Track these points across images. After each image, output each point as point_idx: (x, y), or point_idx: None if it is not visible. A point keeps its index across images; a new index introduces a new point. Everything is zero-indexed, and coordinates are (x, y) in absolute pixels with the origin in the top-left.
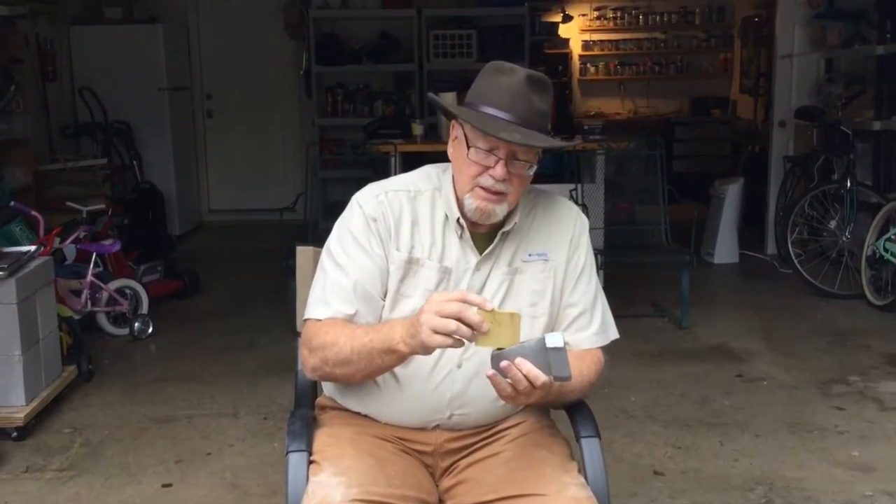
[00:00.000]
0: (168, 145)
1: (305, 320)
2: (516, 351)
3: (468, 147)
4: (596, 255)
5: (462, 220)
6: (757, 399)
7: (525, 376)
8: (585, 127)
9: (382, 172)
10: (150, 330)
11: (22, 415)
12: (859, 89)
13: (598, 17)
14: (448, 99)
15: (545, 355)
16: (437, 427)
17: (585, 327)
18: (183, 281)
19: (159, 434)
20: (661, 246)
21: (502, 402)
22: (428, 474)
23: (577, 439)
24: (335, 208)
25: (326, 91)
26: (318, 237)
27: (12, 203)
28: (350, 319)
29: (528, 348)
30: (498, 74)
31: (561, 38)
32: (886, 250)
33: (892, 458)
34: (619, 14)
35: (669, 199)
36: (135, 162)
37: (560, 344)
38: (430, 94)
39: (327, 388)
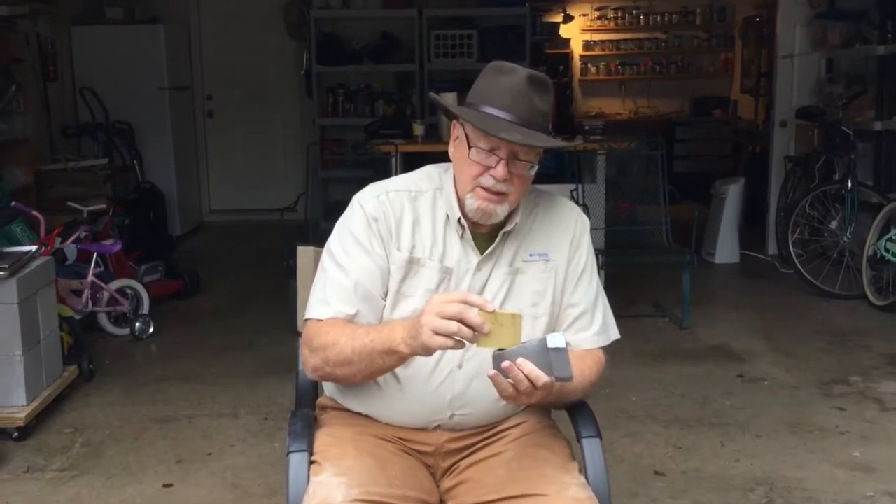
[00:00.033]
0: (169, 145)
1: (306, 320)
2: (518, 351)
3: (469, 147)
4: (597, 255)
5: (463, 221)
6: (758, 399)
7: (526, 377)
8: (586, 127)
9: (383, 172)
10: (151, 330)
11: (23, 415)
12: (860, 89)
13: (598, 18)
14: (449, 99)
15: (547, 356)
16: (438, 427)
17: (586, 327)
18: (184, 281)
19: (160, 434)
20: (662, 246)
21: (503, 403)
22: (429, 474)
23: (578, 439)
24: (336, 208)
25: (327, 91)
26: (319, 237)
27: (13, 203)
28: (351, 319)
29: (529, 349)
30: (499, 74)
31: (562, 38)
32: (887, 250)
33: (893, 459)
34: (619, 14)
35: (670, 199)
36: (136, 162)
37: (562, 344)
38: (432, 94)
39: (328, 389)
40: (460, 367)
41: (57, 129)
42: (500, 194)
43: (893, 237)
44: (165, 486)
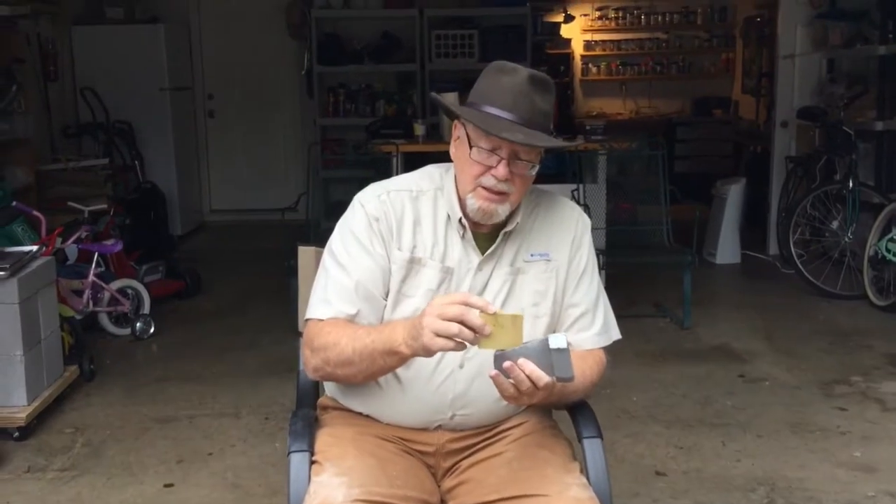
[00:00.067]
0: (170, 145)
1: (307, 320)
2: (519, 352)
3: (470, 147)
4: (598, 256)
5: (464, 220)
6: (759, 399)
7: (528, 377)
8: (587, 127)
9: (384, 172)
10: (152, 330)
11: (24, 415)
12: (861, 89)
13: (599, 18)
14: (450, 99)
15: (548, 356)
16: (439, 427)
17: (587, 327)
18: (184, 281)
19: (161, 434)
20: (663, 246)
21: (504, 403)
22: (430, 475)
23: (580, 440)
24: (337, 208)
25: (328, 91)
26: (320, 237)
27: (14, 203)
28: (352, 319)
29: (531, 349)
30: (500, 74)
31: (563, 38)
32: (888, 251)
33: (894, 459)
34: (620, 14)
35: (671, 200)
36: (136, 162)
37: (563, 345)
38: (433, 94)
39: (329, 389)
40: (461, 367)
41: (58, 129)
42: (502, 194)
43: (894, 237)
44: (166, 486)
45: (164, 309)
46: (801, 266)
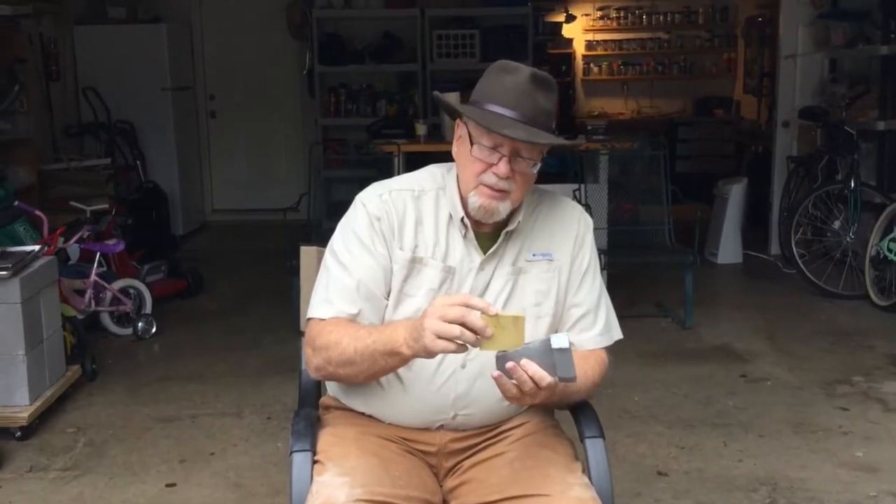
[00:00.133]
0: (171, 145)
1: (309, 319)
2: (521, 352)
3: (472, 144)
4: (599, 256)
5: (466, 220)
6: (760, 399)
7: (530, 377)
8: (589, 127)
9: (386, 172)
10: (154, 330)
11: (26, 414)
12: (863, 89)
13: (601, 17)
14: (451, 98)
15: (550, 356)
16: (441, 427)
17: (589, 327)
18: (186, 281)
19: (163, 434)
20: (665, 246)
21: (506, 403)
22: (432, 474)
23: (582, 439)
24: (338, 208)
25: (329, 91)
26: (322, 237)
27: (16, 203)
28: (353, 319)
29: (533, 349)
30: (503, 73)
31: (564, 38)
32: (890, 250)
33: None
34: (622, 14)
35: (673, 200)
36: (138, 162)
37: (565, 345)
38: (436, 93)
39: (331, 388)
40: (463, 367)
41: (59, 128)
42: (503, 192)
43: None
44: (168, 485)
45: (166, 309)
46: (802, 266)
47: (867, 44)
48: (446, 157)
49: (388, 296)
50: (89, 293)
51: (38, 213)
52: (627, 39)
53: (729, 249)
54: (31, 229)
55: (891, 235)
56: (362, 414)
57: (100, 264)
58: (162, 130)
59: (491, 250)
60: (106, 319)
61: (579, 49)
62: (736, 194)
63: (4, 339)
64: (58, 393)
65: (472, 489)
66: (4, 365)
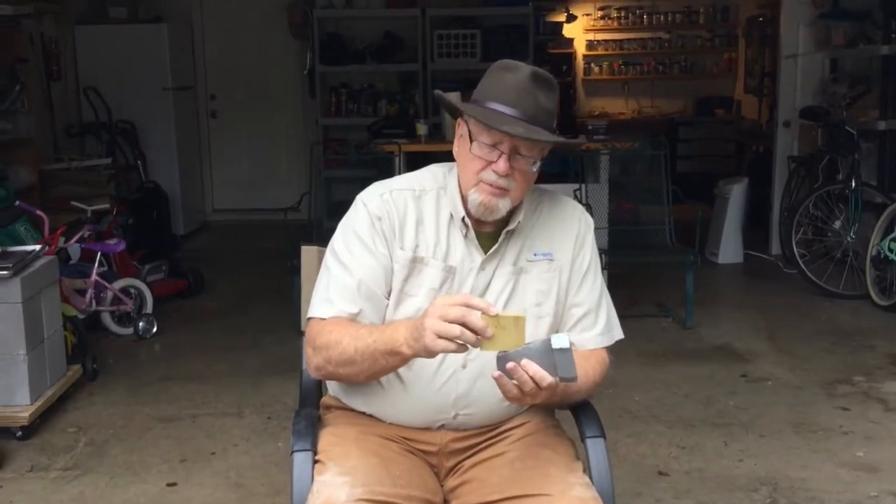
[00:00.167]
0: (172, 145)
1: (309, 319)
2: (522, 352)
3: (471, 142)
4: (600, 255)
5: (467, 220)
6: (761, 399)
7: (531, 378)
8: (589, 127)
9: (386, 172)
10: (155, 329)
11: (26, 414)
12: (864, 89)
13: (602, 17)
14: (452, 98)
15: (551, 356)
16: (441, 427)
17: (590, 327)
18: (187, 280)
19: (164, 433)
20: (666, 246)
21: (507, 403)
22: (433, 474)
23: (582, 439)
24: (339, 208)
25: (330, 91)
26: (323, 237)
27: (17, 202)
28: (354, 318)
29: (533, 349)
30: (504, 72)
31: (565, 37)
32: (891, 250)
33: None
34: (623, 14)
35: (673, 199)
36: (139, 161)
37: (566, 345)
38: (437, 91)
39: (332, 388)
40: (464, 367)
41: (60, 128)
42: (502, 189)
43: None
44: (169, 485)
45: (167, 308)
46: (803, 266)
47: (868, 44)
48: (447, 156)
49: (389, 295)
50: (90, 293)
51: (39, 212)
52: (628, 39)
53: (730, 249)
54: (32, 229)
55: (891, 235)
56: (363, 414)
57: (101, 264)
58: (163, 130)
59: (492, 250)
60: (107, 319)
61: (580, 49)
62: (737, 194)
63: (5, 339)
64: (59, 392)
65: (472, 489)
66: (5, 364)
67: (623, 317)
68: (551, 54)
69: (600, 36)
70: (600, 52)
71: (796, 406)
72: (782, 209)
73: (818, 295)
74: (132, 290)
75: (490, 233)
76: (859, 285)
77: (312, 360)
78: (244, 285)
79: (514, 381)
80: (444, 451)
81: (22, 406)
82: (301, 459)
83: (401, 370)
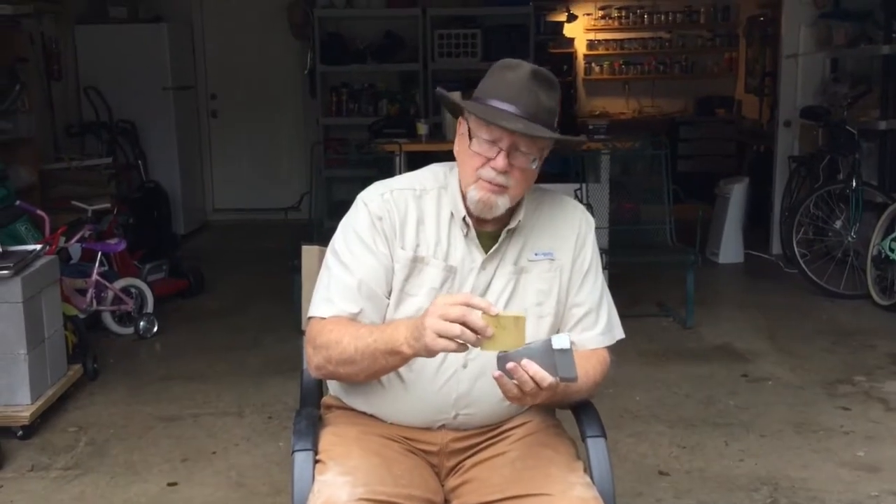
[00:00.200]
0: (173, 144)
1: (310, 318)
2: (522, 352)
3: (471, 138)
4: (601, 255)
5: (468, 219)
6: (762, 399)
7: (531, 378)
8: (590, 126)
9: (387, 172)
10: (156, 329)
11: (27, 413)
12: (865, 89)
13: (602, 17)
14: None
15: (551, 357)
16: (442, 427)
17: (591, 327)
18: (188, 280)
19: (164, 433)
20: (666, 246)
21: (508, 402)
22: (434, 474)
23: (583, 439)
24: (340, 207)
25: (331, 90)
26: (323, 236)
27: (18, 202)
28: (354, 318)
29: (534, 350)
30: (505, 70)
31: (566, 37)
32: (892, 250)
33: None
34: (623, 13)
35: (674, 199)
36: (140, 161)
37: (566, 345)
38: (439, 89)
39: (333, 388)
40: (465, 366)
41: (61, 128)
42: (501, 186)
43: None
44: (170, 484)
45: (168, 308)
46: (804, 265)
47: (869, 43)
48: (448, 156)
49: (390, 295)
50: (91, 292)
51: (39, 212)
52: (629, 39)
53: (730, 249)
54: (33, 229)
55: (892, 235)
56: (364, 413)
57: (101, 263)
58: (163, 130)
59: (492, 249)
60: (107, 319)
61: (581, 48)
62: (737, 194)
63: (6, 339)
64: (59, 392)
65: (473, 488)
66: (6, 364)
67: (624, 316)
68: (552, 54)
69: (601, 35)
70: (601, 51)
71: (797, 406)
72: (783, 209)
73: (819, 295)
74: (133, 290)
75: (491, 232)
76: (860, 285)
77: (313, 360)
78: (245, 285)
79: (515, 381)
80: (444, 451)
81: (23, 405)
82: (302, 459)
83: (401, 370)
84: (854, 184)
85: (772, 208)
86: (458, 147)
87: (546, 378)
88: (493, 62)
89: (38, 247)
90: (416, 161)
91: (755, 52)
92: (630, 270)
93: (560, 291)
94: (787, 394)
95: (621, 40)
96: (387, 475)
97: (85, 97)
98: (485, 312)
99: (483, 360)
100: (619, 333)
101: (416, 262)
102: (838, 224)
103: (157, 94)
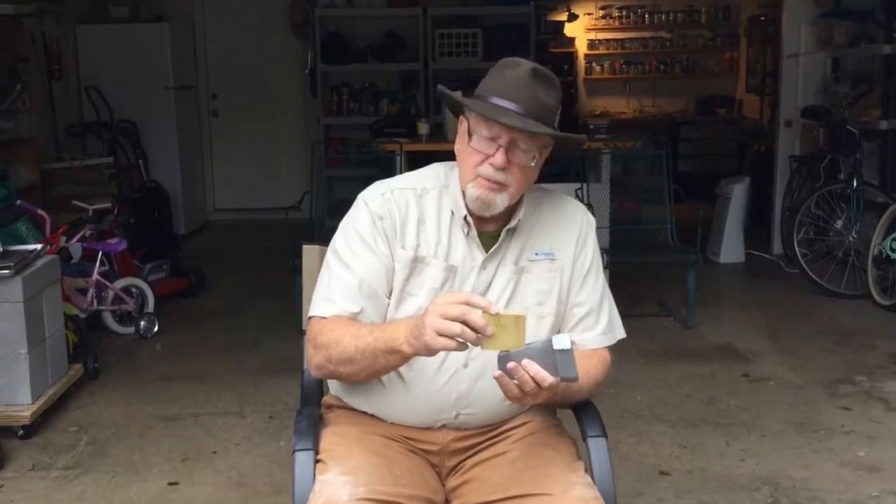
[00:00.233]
0: (174, 144)
1: (310, 318)
2: (523, 352)
3: (470, 136)
4: (601, 255)
5: (469, 218)
6: (763, 399)
7: (532, 378)
8: (591, 126)
9: (388, 171)
10: (156, 328)
11: (28, 413)
12: (866, 88)
13: (603, 16)
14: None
15: (552, 357)
16: (443, 426)
17: (592, 327)
18: (188, 280)
19: (165, 432)
20: (667, 245)
21: (508, 402)
22: (434, 474)
23: (584, 439)
24: (341, 207)
25: (332, 90)
26: (324, 236)
27: (18, 202)
28: (355, 317)
29: (534, 350)
30: (505, 68)
31: (566, 37)
32: (893, 250)
33: None
34: (624, 13)
35: (675, 199)
36: (140, 161)
37: (567, 345)
38: (440, 87)
39: (333, 387)
40: (466, 366)
41: (62, 127)
42: (500, 184)
43: None
44: (171, 484)
45: (168, 307)
46: (805, 265)
47: (870, 43)
48: (448, 156)
49: (390, 295)
50: (91, 292)
51: (40, 211)
52: (630, 38)
53: (731, 249)
54: (34, 228)
55: (893, 235)
56: (364, 413)
57: (102, 263)
58: (164, 129)
59: (493, 249)
60: (108, 318)
61: (581, 48)
62: (738, 193)
63: (7, 338)
64: (60, 391)
65: (474, 488)
66: (7, 363)
67: (624, 316)
68: (553, 53)
69: (602, 35)
70: (602, 51)
71: (798, 406)
72: (784, 209)
73: (820, 294)
74: (133, 290)
75: (491, 232)
76: (861, 285)
77: (313, 359)
78: (245, 284)
79: (515, 381)
80: (445, 451)
81: (23, 405)
82: (303, 459)
83: (402, 370)
84: (855, 183)
85: (773, 208)
86: (459, 145)
87: (547, 378)
88: (494, 62)
89: (39, 246)
90: (416, 161)
91: (756, 51)
92: (631, 270)
93: (561, 291)
94: (788, 393)
95: (622, 40)
96: (387, 475)
97: (86, 97)
98: (485, 311)
99: (484, 359)
100: (620, 333)
101: (416, 262)
102: (839, 224)
103: (158, 94)
